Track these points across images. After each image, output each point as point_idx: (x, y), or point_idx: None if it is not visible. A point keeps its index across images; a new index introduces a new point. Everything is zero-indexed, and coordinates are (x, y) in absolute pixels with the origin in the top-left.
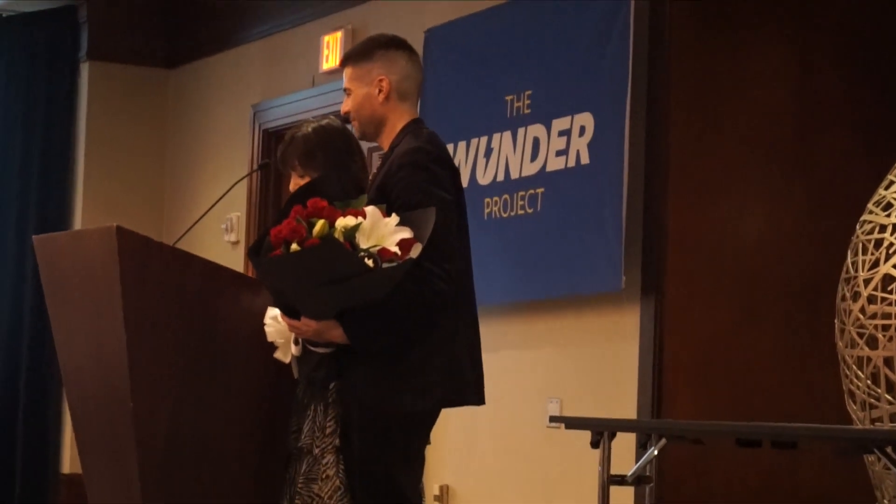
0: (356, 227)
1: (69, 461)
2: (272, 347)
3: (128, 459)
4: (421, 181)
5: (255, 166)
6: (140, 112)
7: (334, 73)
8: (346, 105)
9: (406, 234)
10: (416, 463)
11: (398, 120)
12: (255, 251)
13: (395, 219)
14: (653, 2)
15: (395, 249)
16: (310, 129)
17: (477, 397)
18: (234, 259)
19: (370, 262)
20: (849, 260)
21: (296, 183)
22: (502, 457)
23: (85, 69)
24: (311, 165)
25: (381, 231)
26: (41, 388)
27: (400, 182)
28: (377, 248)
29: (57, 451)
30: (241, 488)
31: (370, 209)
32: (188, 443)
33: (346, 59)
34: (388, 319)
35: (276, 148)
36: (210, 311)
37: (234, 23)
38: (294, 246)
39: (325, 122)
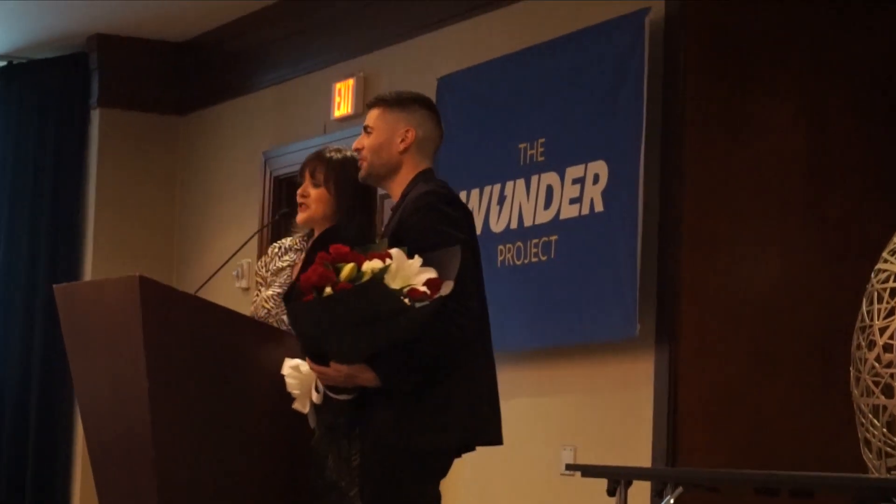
0: (385, 269)
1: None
2: (292, 397)
3: None
4: (436, 223)
5: (266, 212)
6: (151, 159)
7: (346, 121)
8: (362, 142)
9: (431, 273)
10: (433, 501)
11: (411, 169)
12: (286, 298)
13: (418, 260)
14: (666, 50)
15: (424, 289)
16: (346, 152)
17: (496, 436)
18: (246, 305)
19: (406, 301)
20: (864, 308)
21: (304, 191)
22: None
23: (96, 116)
24: (338, 186)
25: (408, 272)
26: (51, 438)
27: (416, 225)
28: (408, 288)
29: (67, 496)
30: None
31: (395, 251)
32: (209, 491)
33: (379, 102)
34: (418, 359)
35: (287, 194)
36: (231, 361)
37: (246, 70)
38: (328, 290)
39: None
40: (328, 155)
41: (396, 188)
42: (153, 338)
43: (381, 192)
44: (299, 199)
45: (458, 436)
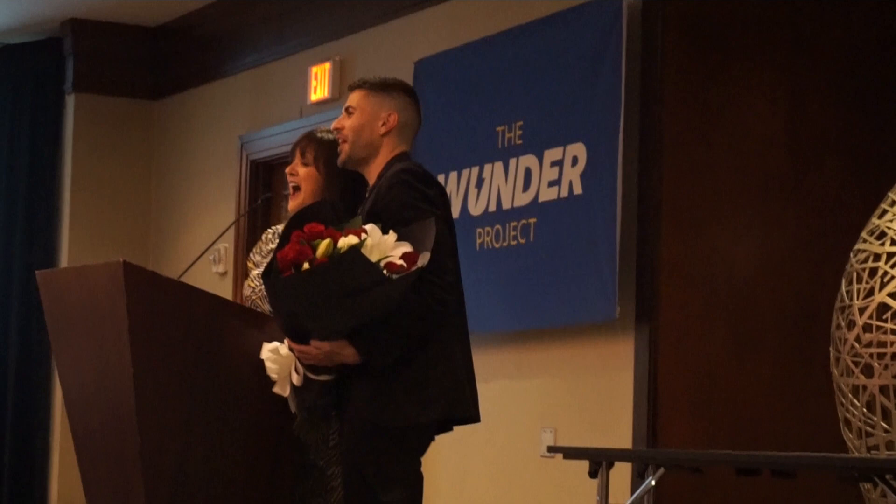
0: (360, 244)
1: (56, 492)
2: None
3: (135, 495)
4: (411, 199)
5: (243, 197)
6: (126, 144)
7: (322, 104)
8: (342, 122)
9: (407, 247)
10: (414, 479)
11: (388, 153)
12: (266, 275)
13: (393, 235)
14: (644, 31)
15: (401, 262)
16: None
17: (474, 413)
18: (224, 290)
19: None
20: (843, 289)
21: (293, 169)
22: (497, 487)
23: (71, 101)
24: (327, 166)
25: (384, 246)
26: (29, 426)
27: (392, 201)
28: (385, 260)
29: (44, 484)
30: None
31: (370, 227)
32: (196, 477)
33: (363, 84)
34: (398, 333)
35: (264, 178)
36: (216, 346)
37: (221, 54)
38: (305, 266)
39: None
40: (319, 135)
41: (373, 170)
42: (137, 323)
43: None
44: (288, 178)
45: (437, 411)
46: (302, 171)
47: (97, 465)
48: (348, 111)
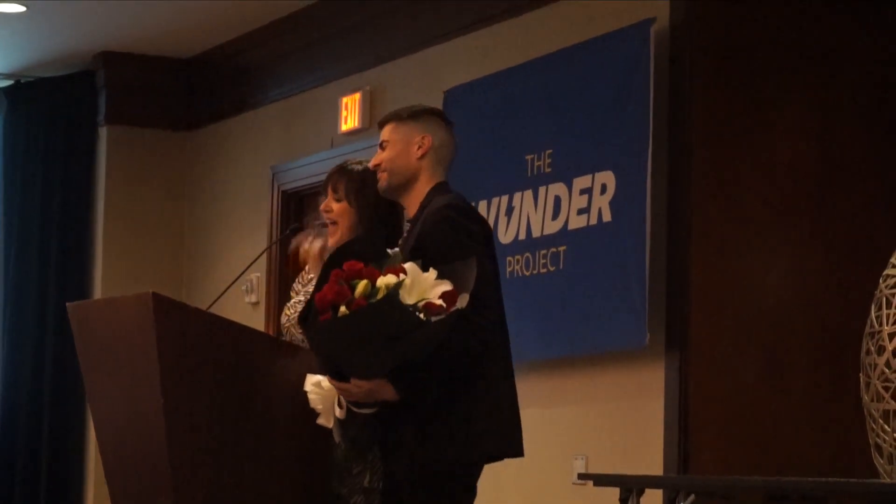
0: (399, 284)
1: None
2: (309, 411)
3: None
4: (455, 236)
5: (275, 227)
6: (159, 175)
7: (353, 135)
8: (379, 158)
9: (447, 286)
10: None
11: (428, 180)
12: (303, 318)
13: (433, 273)
14: (672, 59)
15: (440, 302)
16: (367, 164)
17: (518, 448)
18: (256, 320)
19: (420, 316)
20: (872, 314)
21: (327, 206)
22: None
23: (103, 133)
24: (359, 198)
25: (423, 286)
26: (63, 457)
27: (434, 238)
28: (423, 302)
29: None
30: None
31: (409, 265)
32: None
33: (392, 117)
34: (438, 373)
35: (296, 209)
36: (246, 376)
37: (253, 85)
38: (343, 309)
39: None
40: (349, 167)
41: (413, 201)
42: (167, 354)
43: None
44: (324, 215)
45: (483, 450)
46: (336, 206)
47: (128, 494)
48: (382, 146)
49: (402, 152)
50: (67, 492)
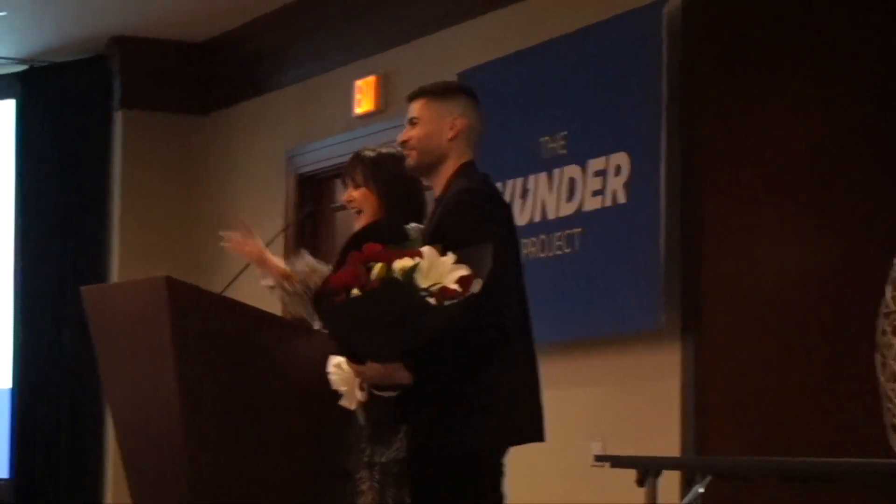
0: (414, 268)
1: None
2: (321, 392)
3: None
4: (473, 220)
5: (290, 211)
6: (174, 159)
7: (368, 118)
8: (409, 133)
9: (464, 271)
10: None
11: (456, 160)
12: (318, 300)
13: (451, 257)
14: (684, 40)
15: (456, 287)
16: (381, 149)
17: (538, 433)
18: (272, 304)
19: (432, 301)
20: (888, 295)
21: (349, 195)
22: (545, 497)
23: (118, 118)
24: (377, 182)
25: (440, 270)
26: (82, 440)
27: (454, 222)
28: (437, 286)
29: (100, 496)
30: None
31: (426, 249)
32: (242, 490)
33: (424, 93)
34: (452, 357)
35: (311, 193)
36: (259, 358)
37: (267, 68)
38: (355, 291)
39: (392, 148)
40: (363, 154)
41: (440, 180)
42: (181, 338)
43: None
44: (347, 205)
45: (501, 434)
46: (356, 193)
47: (144, 476)
48: (412, 122)
49: (433, 132)
50: (87, 479)
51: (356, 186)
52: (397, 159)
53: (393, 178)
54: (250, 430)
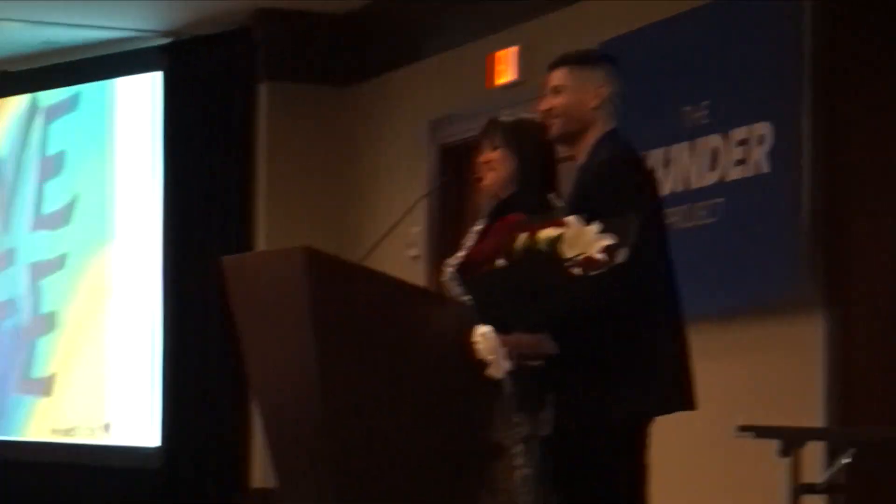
0: (559, 238)
1: (258, 475)
2: (463, 362)
3: (323, 476)
4: (621, 189)
5: (433, 181)
6: (318, 130)
7: (509, 89)
8: (552, 102)
9: (610, 240)
10: (637, 472)
11: (599, 129)
12: (462, 270)
13: (596, 227)
14: (829, 8)
15: (600, 256)
16: (523, 118)
17: (689, 402)
18: (416, 274)
19: (578, 271)
20: None
21: (487, 157)
22: (686, 469)
23: (263, 90)
24: (513, 148)
25: (585, 239)
26: (229, 402)
27: (600, 192)
28: (583, 256)
29: (246, 465)
30: (437, 497)
31: (571, 219)
32: (383, 457)
33: (567, 61)
34: (598, 327)
35: (453, 163)
36: (400, 328)
37: (410, 39)
38: (500, 261)
39: (530, 116)
40: (501, 119)
41: (583, 149)
42: (321, 307)
43: None
44: (482, 167)
45: (647, 404)
46: (493, 154)
47: (286, 448)
48: (555, 90)
49: (577, 100)
50: (232, 441)
51: (494, 148)
52: (536, 126)
53: (530, 143)
54: (392, 401)
